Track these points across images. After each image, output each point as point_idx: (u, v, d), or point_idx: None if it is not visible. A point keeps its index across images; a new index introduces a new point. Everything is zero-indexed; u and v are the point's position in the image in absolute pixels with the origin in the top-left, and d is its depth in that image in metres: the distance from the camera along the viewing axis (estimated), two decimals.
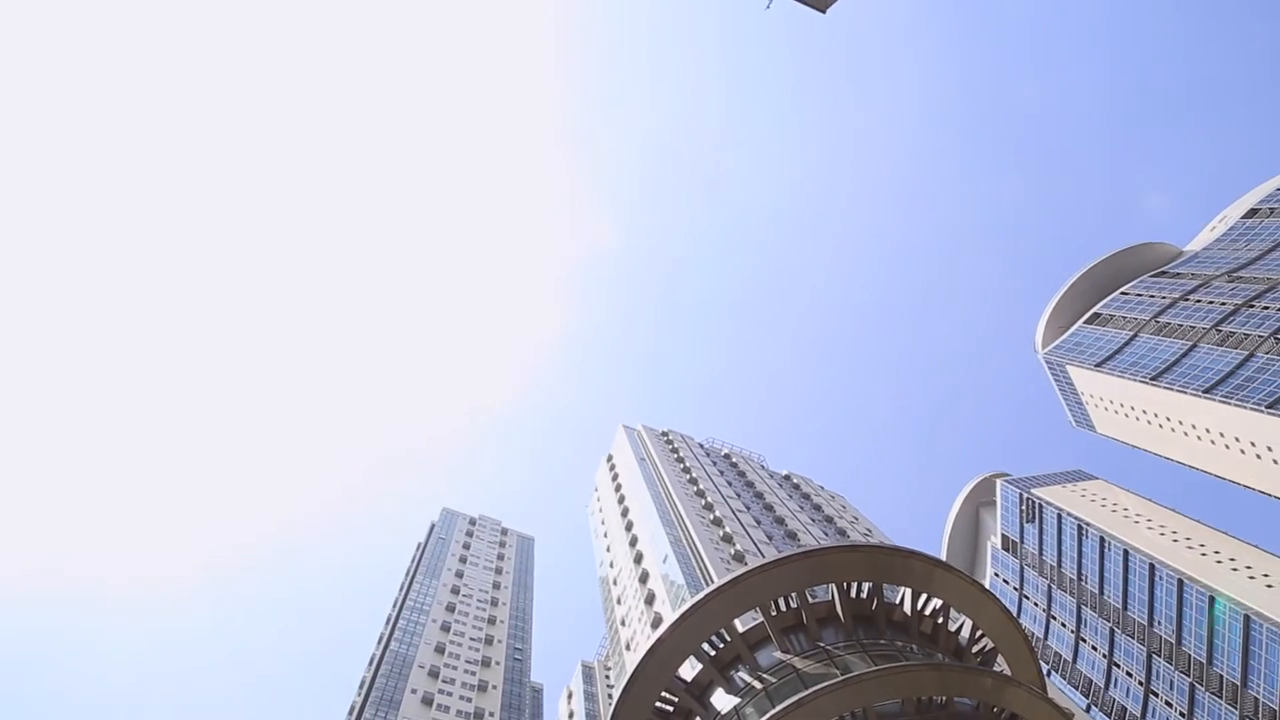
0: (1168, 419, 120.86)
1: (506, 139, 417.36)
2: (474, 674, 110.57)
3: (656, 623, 67.30)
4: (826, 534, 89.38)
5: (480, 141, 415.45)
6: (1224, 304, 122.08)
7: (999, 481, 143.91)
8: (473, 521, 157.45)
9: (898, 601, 39.27)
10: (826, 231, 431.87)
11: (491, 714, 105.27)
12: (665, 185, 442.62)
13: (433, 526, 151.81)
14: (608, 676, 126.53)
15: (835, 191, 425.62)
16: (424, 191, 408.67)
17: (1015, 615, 38.99)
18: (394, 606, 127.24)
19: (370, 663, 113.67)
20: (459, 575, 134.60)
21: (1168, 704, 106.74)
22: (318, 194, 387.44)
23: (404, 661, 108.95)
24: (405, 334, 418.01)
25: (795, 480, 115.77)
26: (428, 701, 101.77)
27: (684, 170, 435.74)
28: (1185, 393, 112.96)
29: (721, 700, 37.38)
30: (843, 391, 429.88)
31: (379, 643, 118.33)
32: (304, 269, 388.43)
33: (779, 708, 32.09)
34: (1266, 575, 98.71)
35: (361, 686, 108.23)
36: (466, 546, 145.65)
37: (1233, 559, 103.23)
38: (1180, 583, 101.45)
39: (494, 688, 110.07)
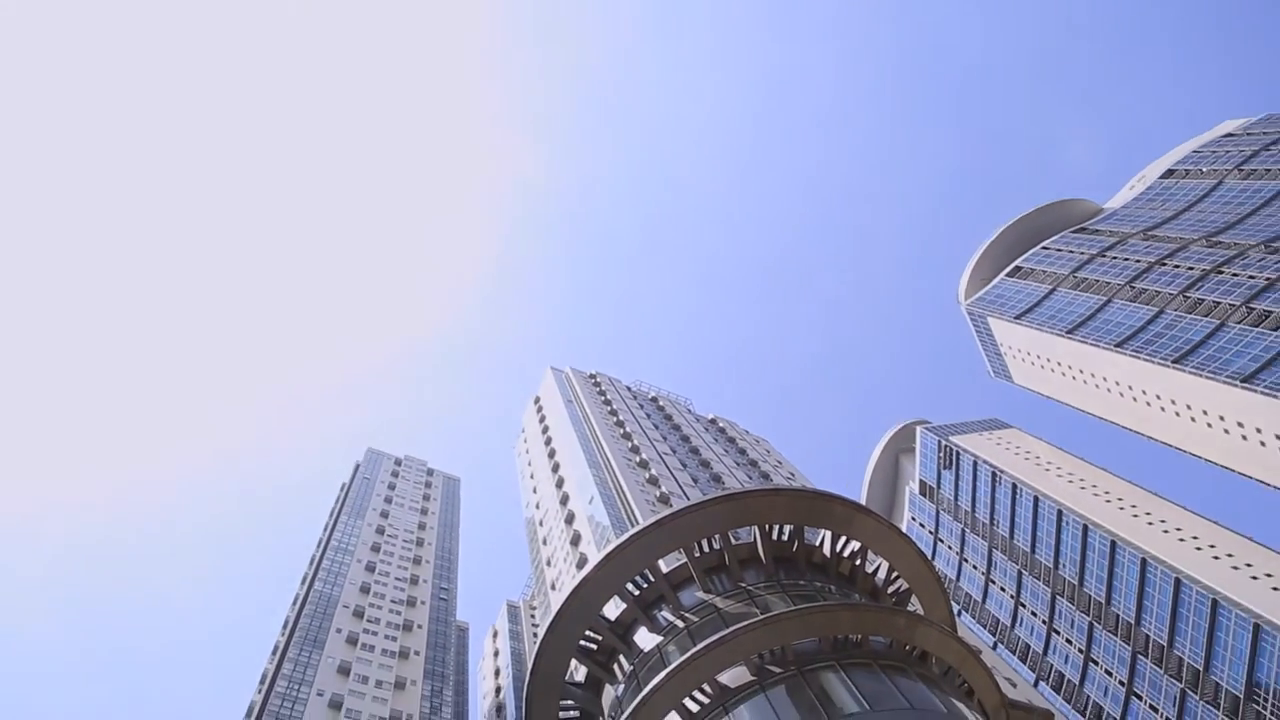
0: (1081, 371, 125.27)
1: (432, 63, 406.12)
2: (399, 614, 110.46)
3: (582, 563, 67.86)
4: (750, 477, 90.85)
5: (406, 65, 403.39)
6: (1138, 261, 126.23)
7: (919, 429, 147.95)
8: (398, 462, 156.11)
9: (818, 543, 40.13)
10: (751, 174, 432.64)
11: (417, 652, 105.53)
12: (593, 122, 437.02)
13: (357, 467, 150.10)
14: (533, 616, 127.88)
15: (758, 133, 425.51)
16: (344, 114, 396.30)
17: (930, 558, 40.13)
18: (318, 547, 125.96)
19: (294, 602, 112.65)
20: (384, 516, 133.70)
21: (1068, 641, 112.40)
22: (240, 115, 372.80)
23: (328, 601, 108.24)
24: (330, 265, 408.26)
25: (721, 424, 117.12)
26: (352, 641, 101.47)
27: (612, 106, 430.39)
28: (1098, 346, 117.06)
29: (645, 639, 37.90)
30: (770, 337, 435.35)
31: (303, 582, 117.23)
32: (215, 197, 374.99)
33: (700, 645, 32.63)
34: (1164, 521, 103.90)
35: (285, 626, 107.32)
36: (392, 487, 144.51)
37: (1134, 506, 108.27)
38: (1085, 528, 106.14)
39: (419, 627, 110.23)
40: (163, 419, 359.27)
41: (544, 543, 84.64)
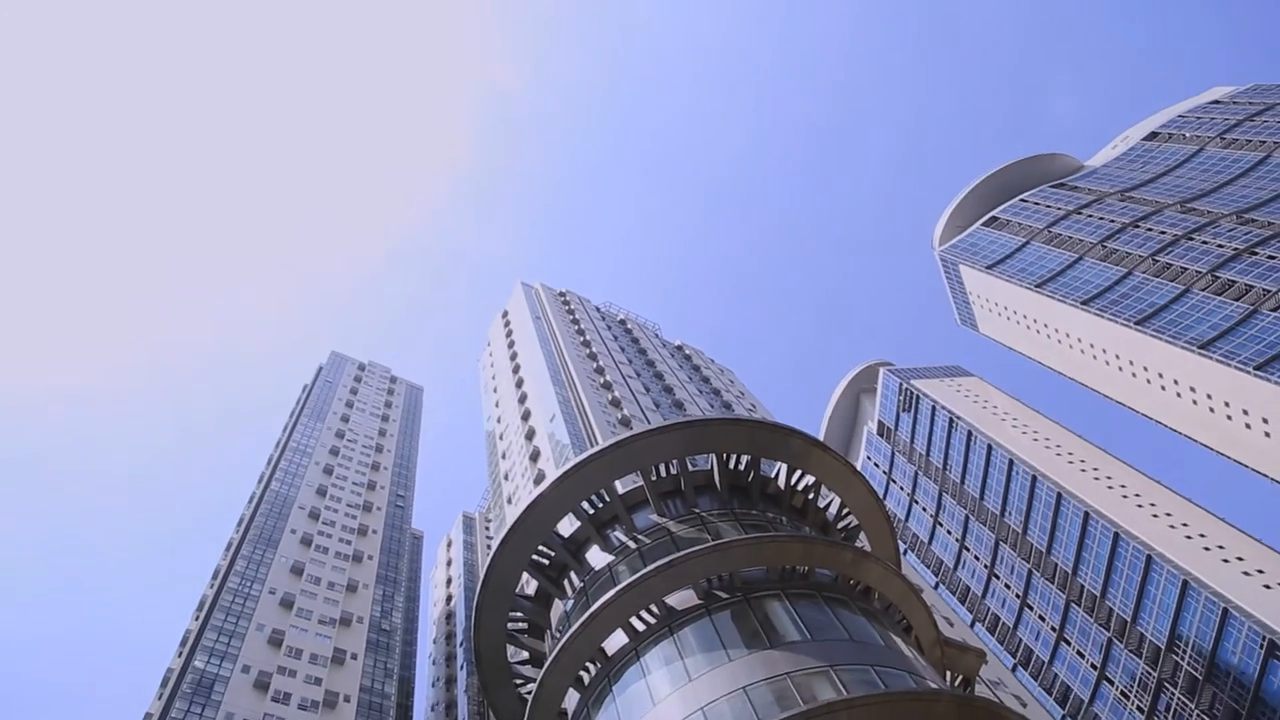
0: (1045, 326, 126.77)
1: None
2: (355, 518, 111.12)
3: (539, 479, 68.39)
4: (712, 406, 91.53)
5: None
6: (1113, 221, 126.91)
7: (882, 370, 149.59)
8: (361, 367, 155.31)
9: (773, 475, 40.64)
10: (739, 101, 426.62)
11: (370, 557, 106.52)
12: (578, 33, 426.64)
13: (320, 369, 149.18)
14: (488, 529, 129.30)
15: (741, 62, 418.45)
16: (317, 13, 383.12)
17: (881, 497, 40.82)
18: (276, 447, 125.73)
19: (250, 501, 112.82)
20: (344, 420, 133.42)
21: (1006, 586, 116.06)
22: (217, 13, 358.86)
23: (284, 502, 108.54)
24: (306, 163, 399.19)
25: (687, 351, 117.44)
26: (306, 542, 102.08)
27: (598, 19, 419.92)
28: (1065, 302, 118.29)
29: (597, 557, 38.42)
30: (744, 269, 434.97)
31: (260, 482, 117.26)
32: (185, 91, 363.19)
33: (650, 567, 33.14)
34: (1110, 478, 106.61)
35: (240, 524, 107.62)
36: (354, 392, 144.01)
37: (1083, 461, 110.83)
38: (1034, 479, 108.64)
39: (374, 532, 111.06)
40: (134, 307, 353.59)
41: (503, 457, 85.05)
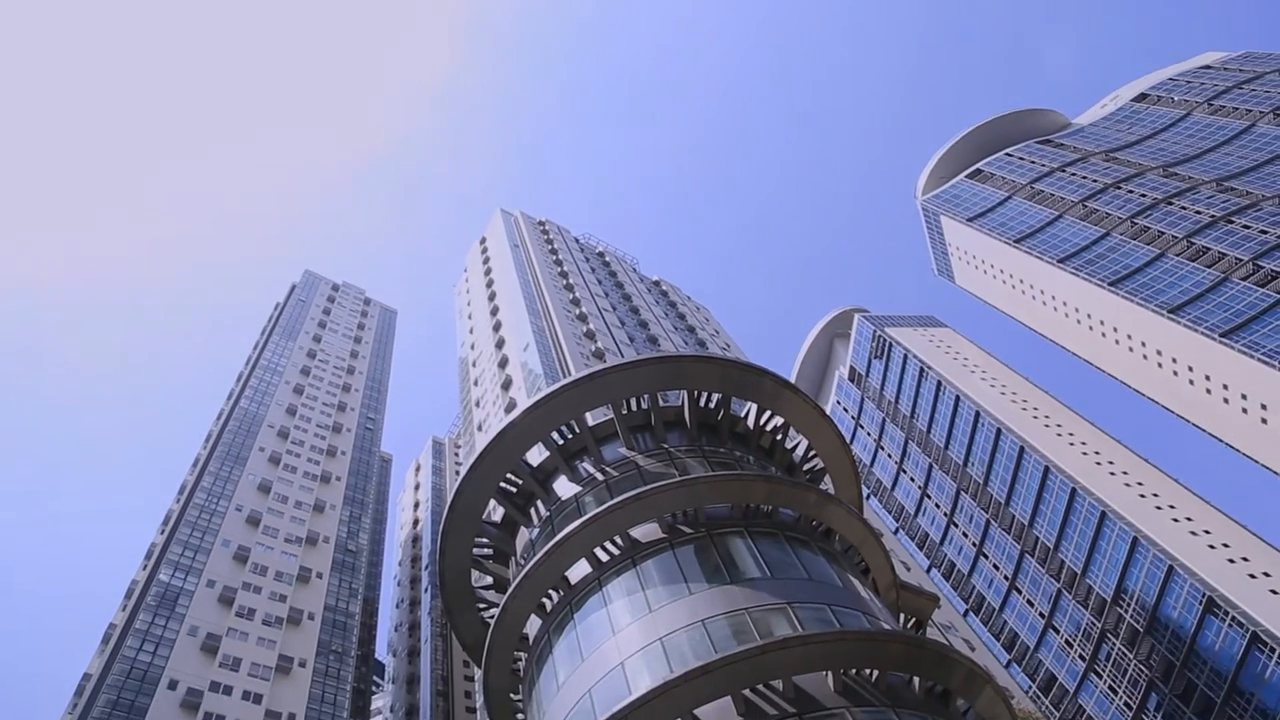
0: (1021, 281, 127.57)
1: None
2: (324, 439, 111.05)
3: (510, 407, 68.54)
4: (687, 342, 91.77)
5: None
6: (1095, 181, 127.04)
7: (856, 316, 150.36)
8: (335, 288, 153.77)
9: (743, 415, 40.95)
10: (730, 40, 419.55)
11: (339, 478, 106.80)
12: None
13: (293, 288, 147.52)
14: (457, 454, 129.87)
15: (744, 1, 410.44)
16: None
17: (848, 442, 41.34)
18: (247, 364, 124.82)
19: (219, 418, 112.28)
20: (317, 340, 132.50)
21: (964, 534, 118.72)
22: None
23: (254, 420, 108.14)
24: (283, 72, 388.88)
25: (664, 287, 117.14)
26: (275, 460, 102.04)
27: None
28: (1042, 259, 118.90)
29: (564, 487, 38.73)
30: (727, 209, 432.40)
31: (229, 398, 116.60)
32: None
33: (617, 499, 33.46)
34: (1072, 435, 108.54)
35: (208, 440, 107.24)
36: (327, 312, 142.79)
37: (1048, 417, 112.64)
38: (999, 432, 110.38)
39: (343, 454, 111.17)
40: (112, 205, 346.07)
41: (475, 384, 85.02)
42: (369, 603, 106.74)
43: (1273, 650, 74.00)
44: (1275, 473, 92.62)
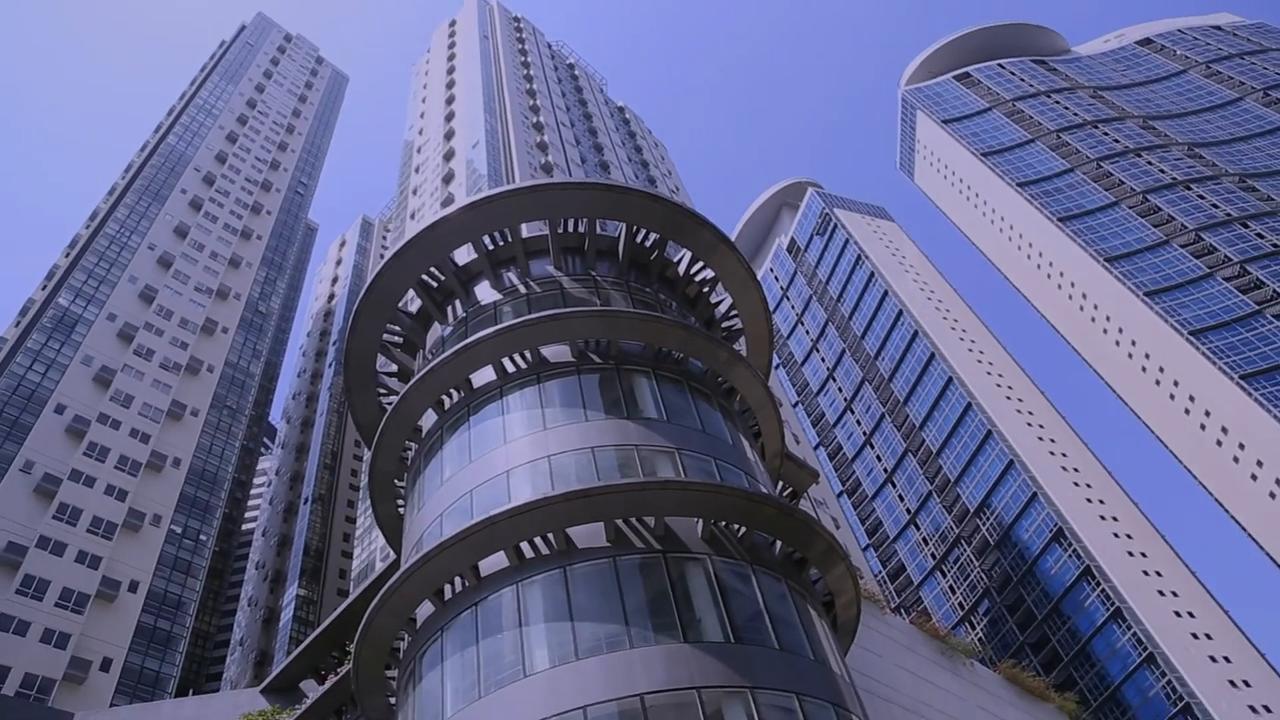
0: (976, 195, 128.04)
1: None
2: (250, 194, 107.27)
3: (448, 201, 66.96)
4: (638, 176, 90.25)
5: None
6: (1075, 115, 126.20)
7: (810, 189, 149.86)
8: (288, 38, 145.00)
9: (675, 261, 40.73)
10: None
11: (260, 237, 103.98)
12: None
13: (242, 28, 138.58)
14: (385, 238, 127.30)
15: None
16: None
17: (771, 310, 41.74)
18: (181, 99, 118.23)
19: (143, 149, 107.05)
20: (259, 90, 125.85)
21: (858, 422, 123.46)
22: None
23: (179, 159, 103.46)
24: None
25: (628, 115, 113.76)
26: (196, 206, 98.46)
27: None
28: (1003, 179, 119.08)
29: (485, 293, 38.33)
30: (708, 53, 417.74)
31: (156, 131, 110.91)
32: None
33: (535, 315, 33.35)
34: (983, 354, 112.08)
35: (128, 170, 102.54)
36: (275, 63, 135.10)
37: (965, 331, 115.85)
38: (915, 333, 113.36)
39: (268, 213, 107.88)
40: None
41: (416, 171, 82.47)
42: (271, 366, 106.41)
43: (1098, 584, 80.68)
44: (1154, 433, 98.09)
